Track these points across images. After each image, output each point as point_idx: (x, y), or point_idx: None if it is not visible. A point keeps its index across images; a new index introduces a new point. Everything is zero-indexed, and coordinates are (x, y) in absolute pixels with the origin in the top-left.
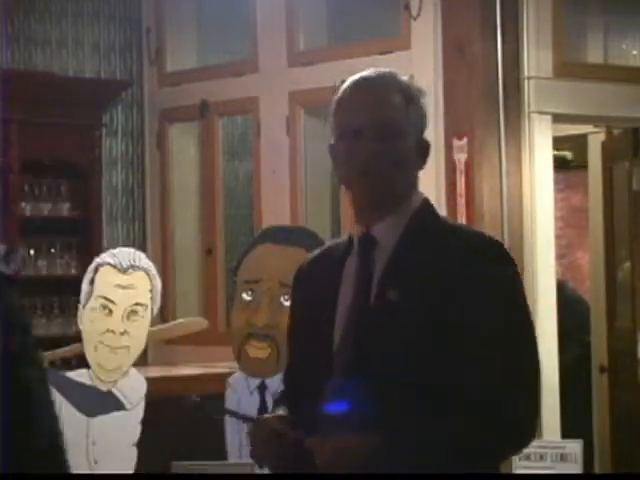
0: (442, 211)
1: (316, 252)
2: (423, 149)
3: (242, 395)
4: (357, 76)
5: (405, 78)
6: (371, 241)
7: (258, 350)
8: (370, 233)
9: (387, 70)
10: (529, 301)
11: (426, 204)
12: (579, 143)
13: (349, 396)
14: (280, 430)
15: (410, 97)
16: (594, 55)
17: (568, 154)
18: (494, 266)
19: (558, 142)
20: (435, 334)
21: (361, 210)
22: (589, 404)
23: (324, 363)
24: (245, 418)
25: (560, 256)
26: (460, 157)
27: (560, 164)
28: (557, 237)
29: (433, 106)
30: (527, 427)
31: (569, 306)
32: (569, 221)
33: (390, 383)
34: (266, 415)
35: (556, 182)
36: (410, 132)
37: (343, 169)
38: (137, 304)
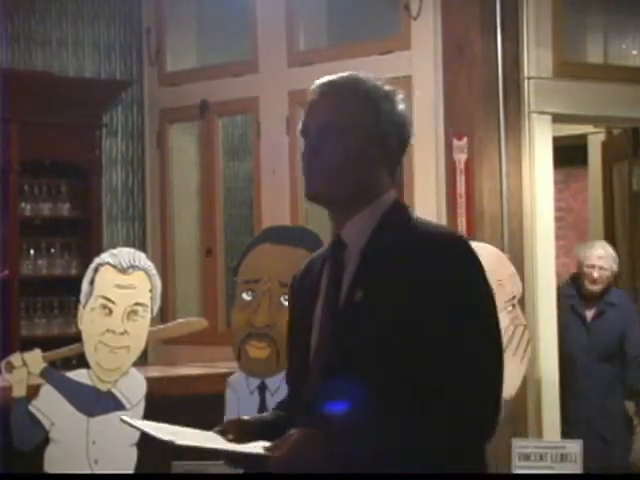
0: (442, 211)
1: (309, 258)
2: (386, 154)
3: (242, 395)
4: (317, 81)
5: (375, 81)
6: (340, 244)
7: (258, 350)
8: (340, 236)
9: (349, 73)
10: (529, 301)
11: (396, 205)
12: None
13: (322, 399)
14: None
15: (371, 100)
16: (594, 55)
17: None
18: (452, 265)
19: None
20: (398, 335)
21: (328, 211)
22: None
23: (305, 368)
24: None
25: None
26: (460, 157)
27: None
28: None
29: (433, 106)
30: (480, 426)
31: None
32: None
33: (358, 385)
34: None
35: None
36: (361, 134)
37: None
38: (137, 304)
